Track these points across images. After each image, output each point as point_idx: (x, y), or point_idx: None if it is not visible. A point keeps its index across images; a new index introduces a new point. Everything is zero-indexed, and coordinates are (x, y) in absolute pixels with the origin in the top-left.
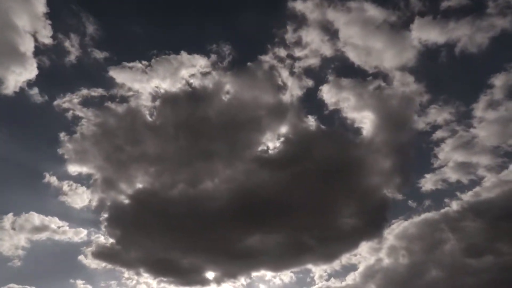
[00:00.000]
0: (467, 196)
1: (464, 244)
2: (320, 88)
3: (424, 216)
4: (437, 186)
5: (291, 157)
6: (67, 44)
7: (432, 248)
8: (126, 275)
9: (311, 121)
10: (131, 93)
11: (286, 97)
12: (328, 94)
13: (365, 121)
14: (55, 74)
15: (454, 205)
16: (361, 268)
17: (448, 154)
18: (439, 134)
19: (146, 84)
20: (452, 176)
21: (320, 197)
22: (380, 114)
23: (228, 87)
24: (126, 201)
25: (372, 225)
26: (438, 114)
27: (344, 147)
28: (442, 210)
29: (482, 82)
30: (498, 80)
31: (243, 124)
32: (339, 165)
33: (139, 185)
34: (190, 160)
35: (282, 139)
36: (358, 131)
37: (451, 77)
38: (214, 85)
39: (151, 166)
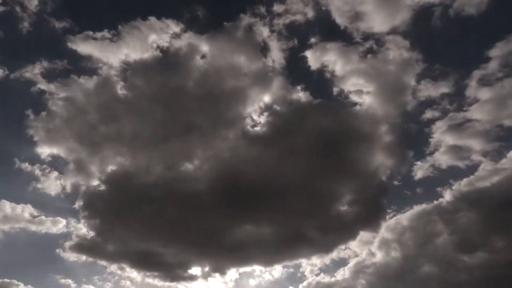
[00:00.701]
0: (461, 185)
1: (457, 238)
2: (305, 52)
3: (417, 208)
4: (430, 173)
5: (280, 132)
6: (18, 10)
7: (424, 242)
8: (109, 269)
9: (299, 91)
10: (98, 65)
11: (268, 62)
12: (314, 59)
13: (359, 90)
14: (10, 44)
15: (448, 195)
16: (352, 263)
17: (441, 137)
18: (430, 114)
19: (113, 55)
20: (445, 162)
21: (312, 178)
22: (376, 83)
23: (204, 50)
24: (102, 187)
25: (369, 211)
26: (434, 89)
27: (337, 121)
28: (436, 202)
29: (478, 54)
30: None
31: (224, 94)
32: (332, 141)
33: (114, 168)
34: (167, 137)
35: (268, 112)
36: (351, 102)
37: (447, 44)
38: (189, 50)
39: (125, 145)
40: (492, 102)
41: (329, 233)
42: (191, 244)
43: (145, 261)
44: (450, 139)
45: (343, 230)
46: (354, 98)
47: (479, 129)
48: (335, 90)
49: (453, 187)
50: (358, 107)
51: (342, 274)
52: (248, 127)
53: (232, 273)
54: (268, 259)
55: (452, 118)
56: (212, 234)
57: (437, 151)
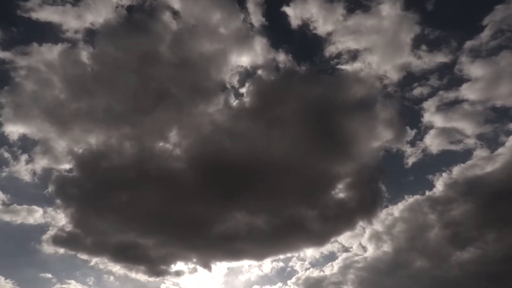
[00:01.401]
0: (454, 173)
1: (450, 232)
2: (285, 8)
3: (409, 199)
4: (421, 159)
5: (266, 103)
6: None
7: (416, 236)
8: (91, 263)
9: (281, 53)
10: (60, 31)
11: (247, 19)
12: (295, 15)
13: (351, 52)
14: None
15: (440, 185)
16: (341, 257)
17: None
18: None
19: (76, 20)
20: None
21: (304, 157)
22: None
23: (175, 7)
24: (74, 171)
25: (367, 197)
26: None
27: (327, 89)
28: (428, 192)
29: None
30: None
31: (200, 59)
32: (324, 113)
33: (85, 149)
34: (141, 111)
35: (250, 80)
36: (340, 64)
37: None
38: (158, 5)
39: (95, 122)
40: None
41: (325, 221)
42: (175, 235)
43: (127, 254)
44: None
45: (339, 219)
46: (342, 61)
47: (472, 110)
48: (322, 51)
49: (446, 176)
50: (346, 72)
51: (331, 269)
52: (230, 97)
53: (220, 267)
54: (257, 253)
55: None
56: (196, 223)
57: (427, 134)
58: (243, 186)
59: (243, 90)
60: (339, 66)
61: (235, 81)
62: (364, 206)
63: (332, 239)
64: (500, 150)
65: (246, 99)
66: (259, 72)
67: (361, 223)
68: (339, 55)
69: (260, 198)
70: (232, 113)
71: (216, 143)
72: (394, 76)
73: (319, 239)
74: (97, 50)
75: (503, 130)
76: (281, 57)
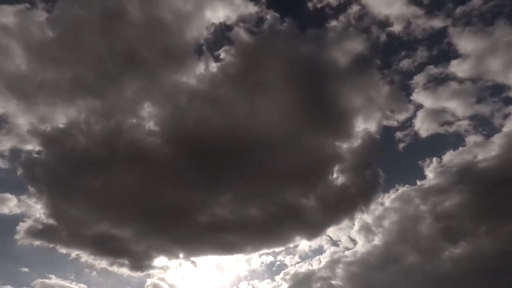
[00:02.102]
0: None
1: (441, 225)
2: None
3: (400, 189)
4: (410, 143)
5: (246, 67)
6: None
7: (406, 228)
8: (71, 257)
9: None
10: None
11: None
12: None
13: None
14: None
15: (430, 173)
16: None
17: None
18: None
19: None
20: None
21: (294, 130)
22: None
23: None
24: (43, 153)
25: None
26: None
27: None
28: (420, 182)
29: None
30: None
31: (173, 16)
32: (310, 76)
33: (53, 126)
34: (109, 79)
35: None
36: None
37: None
38: None
39: (59, 94)
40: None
41: (321, 208)
42: (156, 226)
43: (108, 247)
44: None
45: (337, 206)
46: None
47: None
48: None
49: (436, 163)
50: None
51: (318, 263)
52: (208, 61)
53: (206, 261)
54: (245, 245)
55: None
56: (178, 210)
57: (416, 116)
58: (227, 166)
59: (221, 52)
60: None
61: (212, 42)
62: (361, 191)
63: (327, 230)
64: (496, 136)
65: (226, 63)
66: (236, 29)
67: (356, 214)
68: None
69: (247, 181)
70: (211, 79)
71: (195, 115)
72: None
73: (313, 229)
74: (58, 10)
75: (498, 112)
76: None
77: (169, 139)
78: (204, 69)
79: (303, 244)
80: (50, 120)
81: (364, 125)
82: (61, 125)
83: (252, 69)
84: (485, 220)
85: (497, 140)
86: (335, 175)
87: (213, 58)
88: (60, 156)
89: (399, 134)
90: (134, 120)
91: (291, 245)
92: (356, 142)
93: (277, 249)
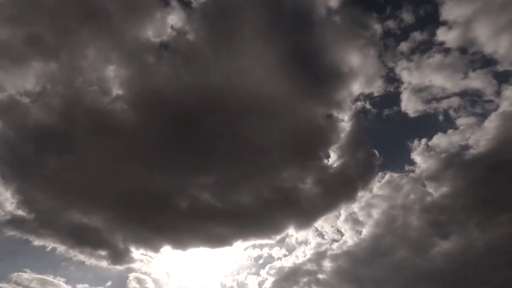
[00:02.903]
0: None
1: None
2: None
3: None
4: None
5: (225, 16)
6: None
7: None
8: (47, 249)
9: None
10: None
11: None
12: None
13: None
14: None
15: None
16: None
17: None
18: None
19: None
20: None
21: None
22: None
23: None
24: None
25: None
26: None
27: None
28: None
29: None
30: None
31: None
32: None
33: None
34: (64, 35)
35: None
36: None
37: None
38: None
39: (11, 56)
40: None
41: (313, 193)
42: (130, 214)
43: (84, 238)
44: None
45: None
46: None
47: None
48: None
49: (424, 146)
50: None
51: (304, 255)
52: (176, 11)
53: (190, 253)
54: (229, 236)
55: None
56: (153, 193)
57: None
58: (207, 136)
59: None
60: None
61: None
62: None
63: (320, 218)
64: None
65: (198, 12)
66: None
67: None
68: None
69: (230, 156)
70: (181, 32)
71: (165, 75)
72: None
73: (304, 218)
74: None
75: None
76: None
77: (137, 105)
78: (173, 20)
79: (292, 235)
80: (1, 88)
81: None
82: (12, 93)
83: (229, 18)
84: (478, 211)
85: (489, 124)
86: (329, 154)
87: (183, 8)
88: (16, 129)
89: (386, 112)
90: (97, 87)
91: (279, 236)
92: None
93: (264, 241)
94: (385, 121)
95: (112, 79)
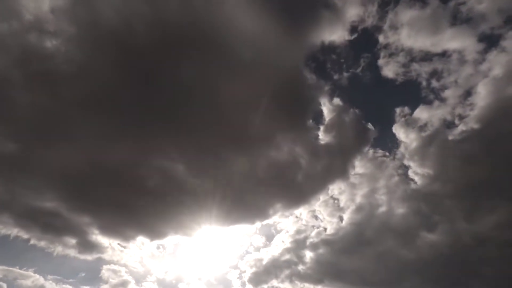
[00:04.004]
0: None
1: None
2: None
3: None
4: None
5: None
6: None
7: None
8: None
9: None
10: None
11: None
12: None
13: None
14: None
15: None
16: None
17: None
18: None
19: None
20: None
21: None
22: None
23: None
24: None
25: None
26: None
27: None
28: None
29: None
30: None
31: None
32: None
33: None
34: None
35: None
36: None
37: None
38: None
39: None
40: None
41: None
42: (90, 194)
43: (46, 224)
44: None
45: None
46: None
47: None
48: None
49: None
50: None
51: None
52: None
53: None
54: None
55: None
56: (112, 167)
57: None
58: (171, 86)
59: None
60: None
61: None
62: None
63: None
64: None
65: None
66: None
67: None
68: None
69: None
70: None
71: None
72: None
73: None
74: None
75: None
76: None
77: (83, 45)
78: None
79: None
80: None
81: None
82: None
83: None
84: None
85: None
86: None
87: None
88: None
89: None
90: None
91: (261, 222)
92: None
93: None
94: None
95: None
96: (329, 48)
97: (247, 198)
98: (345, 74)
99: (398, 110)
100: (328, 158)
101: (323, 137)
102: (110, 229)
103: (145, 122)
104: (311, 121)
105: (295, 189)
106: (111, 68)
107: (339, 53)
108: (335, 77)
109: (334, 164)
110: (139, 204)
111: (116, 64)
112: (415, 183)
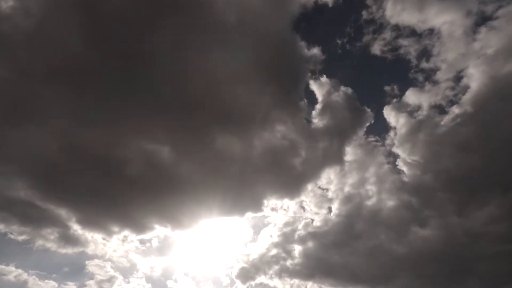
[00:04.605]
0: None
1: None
2: None
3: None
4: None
5: None
6: None
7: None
8: None
9: None
10: None
11: None
12: None
13: None
14: None
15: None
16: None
17: None
18: None
19: None
20: None
21: None
22: None
23: None
24: None
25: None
26: None
27: None
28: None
29: None
30: None
31: None
32: None
33: None
34: None
35: None
36: None
37: None
38: None
39: None
40: None
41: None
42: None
43: (25, 216)
44: None
45: None
46: None
47: None
48: None
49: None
50: None
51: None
52: None
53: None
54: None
55: None
56: (88, 150)
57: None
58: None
59: None
60: None
61: None
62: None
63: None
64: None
65: None
66: None
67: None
68: None
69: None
70: None
71: None
72: None
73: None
74: None
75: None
76: None
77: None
78: None
79: (264, 214)
80: None
81: None
82: None
83: None
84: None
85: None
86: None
87: None
88: None
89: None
90: None
91: (251, 214)
92: None
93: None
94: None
95: None
96: (319, 9)
97: (238, 186)
98: (334, 48)
99: (388, 89)
100: (322, 142)
101: (316, 118)
102: (90, 222)
103: (124, 98)
104: (304, 101)
105: (288, 175)
106: (82, 35)
107: (329, 17)
108: (324, 49)
109: (329, 149)
110: (121, 194)
111: (88, 31)
112: (404, 173)
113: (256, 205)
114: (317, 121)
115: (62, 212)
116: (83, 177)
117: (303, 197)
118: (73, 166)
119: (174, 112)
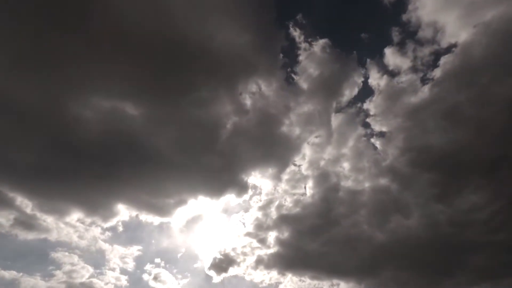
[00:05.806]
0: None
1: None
2: None
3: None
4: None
5: None
6: None
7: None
8: None
9: None
10: None
11: None
12: None
13: None
14: None
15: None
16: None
17: None
18: None
19: None
20: None
21: None
22: None
23: None
24: None
25: None
26: None
27: None
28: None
29: None
30: None
31: None
32: None
33: None
34: None
35: None
36: None
37: None
38: None
39: None
40: None
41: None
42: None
43: None
44: None
45: None
46: None
47: None
48: None
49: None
50: None
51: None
52: None
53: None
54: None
55: None
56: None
57: None
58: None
59: None
60: None
61: None
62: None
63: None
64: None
65: None
66: None
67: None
68: None
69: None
70: None
71: None
72: None
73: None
74: None
75: None
76: None
77: None
78: None
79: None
80: None
81: None
82: None
83: None
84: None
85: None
86: None
87: None
88: None
89: None
90: None
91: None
92: None
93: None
94: None
95: None
96: None
97: (214, 158)
98: None
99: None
100: (306, 104)
101: (297, 76)
102: (45, 203)
103: (72, 39)
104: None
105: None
106: None
107: None
108: None
109: (313, 114)
110: (76, 168)
111: None
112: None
113: (238, 186)
114: (302, 78)
115: (5, 188)
116: (24, 144)
117: (282, 175)
118: (8, 126)
119: (136, 56)
